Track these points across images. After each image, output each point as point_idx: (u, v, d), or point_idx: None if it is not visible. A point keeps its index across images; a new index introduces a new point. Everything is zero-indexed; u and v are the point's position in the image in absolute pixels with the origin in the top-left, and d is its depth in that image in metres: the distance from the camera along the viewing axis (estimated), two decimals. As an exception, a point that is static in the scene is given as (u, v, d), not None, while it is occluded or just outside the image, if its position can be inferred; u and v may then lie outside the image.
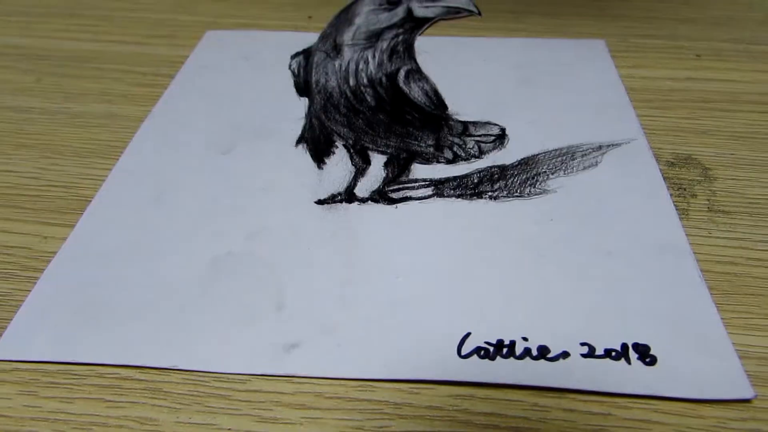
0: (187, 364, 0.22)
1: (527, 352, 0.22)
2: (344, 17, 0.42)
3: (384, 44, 0.39)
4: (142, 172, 0.31)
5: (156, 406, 0.21)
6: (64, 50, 0.42)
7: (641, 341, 0.22)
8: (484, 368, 0.22)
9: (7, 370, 0.22)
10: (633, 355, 0.22)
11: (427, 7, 0.41)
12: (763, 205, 0.29)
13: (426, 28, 0.43)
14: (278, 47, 0.41)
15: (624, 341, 0.22)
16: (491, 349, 0.22)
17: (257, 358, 0.22)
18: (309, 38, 0.38)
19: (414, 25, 0.41)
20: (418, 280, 0.25)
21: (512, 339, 0.23)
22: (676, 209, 0.28)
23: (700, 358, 0.22)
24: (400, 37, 0.40)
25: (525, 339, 0.23)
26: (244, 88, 0.38)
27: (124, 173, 0.31)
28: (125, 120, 0.35)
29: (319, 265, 0.26)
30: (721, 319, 0.23)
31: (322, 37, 0.41)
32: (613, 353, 0.22)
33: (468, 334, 0.23)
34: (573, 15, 0.45)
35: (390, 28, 0.40)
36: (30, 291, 0.25)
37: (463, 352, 0.22)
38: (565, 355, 0.22)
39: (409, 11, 0.41)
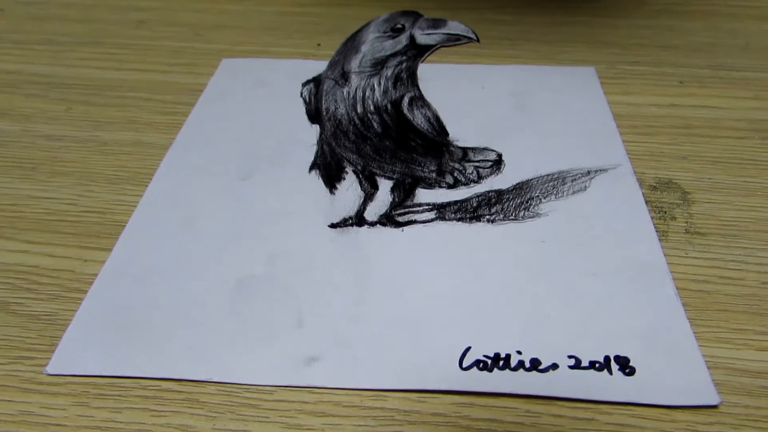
0: (220, 376, 0.25)
1: (521, 364, 0.25)
2: (351, 45, 0.45)
3: (389, 71, 0.42)
4: (169, 198, 0.34)
5: (194, 415, 0.24)
6: (91, 79, 0.45)
7: (622, 354, 0.25)
8: (483, 379, 0.25)
9: (61, 384, 0.25)
10: (614, 366, 0.25)
11: (428, 34, 0.44)
12: (735, 226, 0.32)
13: (428, 55, 0.46)
14: (290, 75, 0.44)
15: (606, 354, 0.25)
16: (489, 361, 0.25)
17: (282, 371, 0.25)
18: (319, 65, 0.40)
19: (417, 52, 0.44)
20: (423, 298, 0.28)
21: (508, 352, 0.26)
22: (657, 231, 0.31)
23: (673, 368, 0.25)
24: (404, 65, 0.43)
25: (519, 352, 0.26)
26: (259, 116, 0.41)
27: (153, 200, 0.34)
28: (151, 147, 0.38)
29: (334, 285, 0.29)
30: (694, 333, 0.26)
31: (331, 65, 0.44)
32: (597, 365, 0.25)
33: (468, 348, 0.26)
34: (565, 42, 0.48)
35: (394, 55, 0.43)
36: (76, 310, 0.28)
37: (464, 364, 0.25)
38: (554, 366, 0.25)
39: (412, 39, 0.44)
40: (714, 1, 0.53)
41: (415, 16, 0.46)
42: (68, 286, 0.30)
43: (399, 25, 0.45)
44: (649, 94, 0.42)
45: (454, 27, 0.45)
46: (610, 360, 0.25)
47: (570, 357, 0.25)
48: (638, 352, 0.25)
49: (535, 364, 0.25)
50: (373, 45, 0.44)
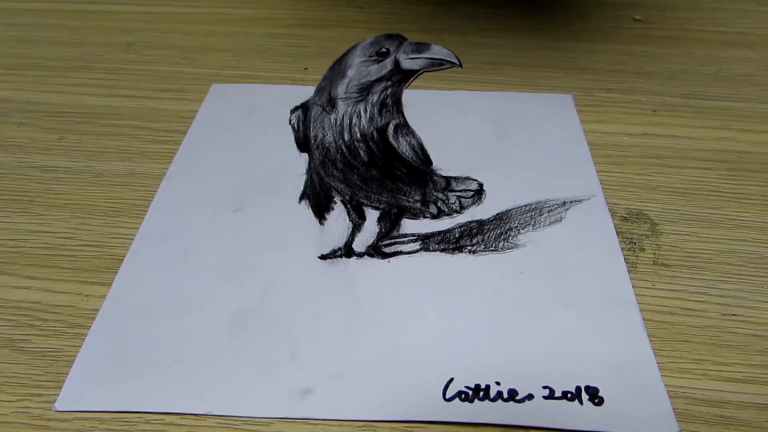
0: (220, 409, 0.27)
1: (500, 395, 0.27)
2: (337, 69, 0.46)
3: (374, 97, 0.44)
4: (165, 232, 0.35)
5: (196, 448, 0.26)
6: (82, 106, 0.46)
7: (592, 384, 0.27)
8: (464, 410, 0.27)
9: (68, 420, 0.27)
10: (585, 396, 0.27)
11: (413, 59, 0.46)
12: (699, 258, 0.34)
13: (412, 81, 0.48)
14: (278, 101, 0.46)
15: (578, 384, 0.27)
16: (470, 392, 0.27)
17: (278, 404, 0.27)
18: (307, 91, 0.42)
19: (401, 77, 0.45)
20: (409, 330, 0.30)
21: (487, 383, 0.28)
22: (626, 263, 0.33)
23: (637, 398, 0.27)
24: (389, 90, 0.44)
25: (498, 383, 0.28)
26: (249, 145, 0.42)
27: (149, 233, 0.35)
28: (145, 178, 0.39)
29: (324, 317, 0.31)
30: (657, 363, 0.28)
31: (318, 90, 0.46)
32: (569, 395, 0.27)
33: (451, 380, 0.28)
34: (545, 67, 0.50)
35: (379, 80, 0.44)
36: (80, 346, 0.30)
37: (447, 395, 0.27)
38: (530, 397, 0.27)
39: (397, 63, 0.45)
40: (687, 26, 0.56)
41: (399, 39, 0.47)
42: (71, 322, 0.31)
43: (384, 49, 0.47)
44: (623, 123, 0.44)
45: (438, 51, 0.47)
46: (581, 390, 0.27)
47: (545, 387, 0.27)
48: (606, 383, 0.28)
49: (512, 394, 0.27)
50: (358, 70, 0.45)
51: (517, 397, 0.27)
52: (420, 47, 0.47)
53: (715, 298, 0.32)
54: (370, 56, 0.47)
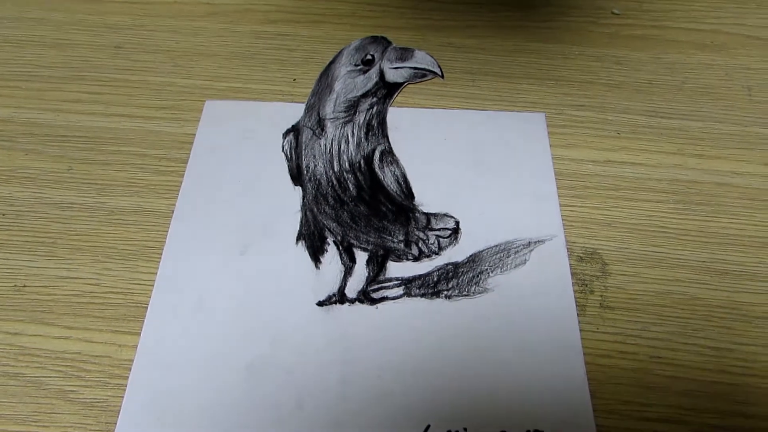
0: (244, 455, 0.34)
1: (466, 440, 0.34)
2: (325, 82, 0.49)
3: (361, 118, 0.47)
4: (179, 279, 0.40)
5: (229, 488, 0.33)
6: (83, 129, 0.48)
7: (539, 428, 0.35)
8: (438, 453, 0.34)
9: (124, 466, 0.34)
10: (533, 439, 0.34)
11: (396, 68, 0.49)
12: (638, 300, 0.40)
13: (396, 96, 0.51)
14: (271, 123, 0.49)
15: (528, 428, 0.35)
16: (443, 438, 0.34)
17: (290, 448, 0.34)
18: (297, 108, 0.46)
19: (386, 92, 0.49)
20: (394, 377, 0.37)
21: (457, 429, 0.35)
22: (577, 306, 0.40)
23: (573, 440, 0.34)
24: (374, 109, 0.48)
25: (465, 429, 0.35)
26: (247, 178, 0.46)
27: (166, 281, 0.40)
28: (153, 216, 0.43)
29: (325, 364, 0.37)
30: (592, 405, 0.36)
31: (308, 109, 0.49)
32: (520, 438, 0.34)
33: (428, 427, 0.35)
34: (521, 77, 0.52)
35: (365, 96, 0.48)
36: (122, 396, 0.36)
37: (426, 442, 0.34)
38: (490, 441, 0.34)
39: (382, 74, 0.49)
40: (662, 21, 0.57)
41: (384, 44, 0.50)
42: (111, 372, 0.37)
43: (369, 56, 0.50)
44: (590, 148, 0.48)
45: (421, 58, 0.50)
46: (530, 434, 0.35)
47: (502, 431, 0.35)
48: (550, 426, 0.35)
49: (476, 440, 0.34)
50: (345, 82, 0.48)
51: (480, 442, 0.34)
52: (404, 54, 0.50)
53: (646, 340, 0.38)
54: (356, 65, 0.50)
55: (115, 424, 0.35)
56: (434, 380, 0.37)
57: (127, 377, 0.36)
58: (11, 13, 0.57)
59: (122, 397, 0.36)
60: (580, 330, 0.38)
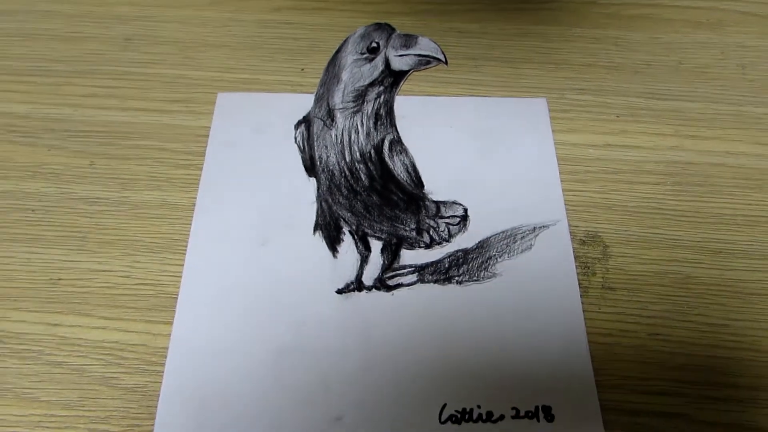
0: (276, 435, 0.37)
1: (480, 416, 0.37)
2: (332, 72, 0.51)
3: (369, 107, 0.49)
4: (206, 270, 0.43)
5: (264, 464, 0.36)
6: (101, 123, 0.50)
7: (546, 403, 0.38)
8: (455, 431, 0.37)
9: (167, 446, 0.37)
10: (541, 414, 0.37)
11: (401, 56, 0.50)
12: (638, 281, 0.43)
13: (402, 84, 0.53)
14: (283, 115, 0.50)
15: (536, 404, 0.38)
16: (459, 415, 0.37)
17: (314, 429, 0.37)
18: (307, 99, 0.47)
19: (393, 80, 0.50)
20: (412, 361, 0.39)
21: (471, 407, 0.38)
22: (580, 288, 0.42)
23: (577, 414, 0.38)
24: (382, 98, 0.49)
25: (479, 406, 0.38)
26: (265, 168, 0.47)
27: (193, 272, 0.43)
28: (176, 209, 0.45)
29: (347, 352, 0.40)
30: (595, 381, 0.39)
31: (317, 99, 0.51)
32: (530, 414, 0.37)
33: (445, 405, 0.38)
34: (524, 61, 0.54)
35: (372, 84, 0.49)
36: (161, 383, 0.39)
37: (442, 419, 0.37)
38: (501, 417, 0.37)
39: (387, 62, 0.50)
40: (658, 1, 0.58)
41: (388, 31, 0.52)
42: (148, 360, 0.40)
43: (374, 44, 0.51)
44: (590, 132, 0.50)
45: (425, 45, 0.51)
46: (539, 409, 0.38)
47: (513, 408, 0.38)
48: (557, 401, 0.38)
49: (488, 416, 0.37)
50: (352, 72, 0.50)
51: (493, 418, 0.37)
52: (408, 41, 0.52)
53: (645, 319, 0.41)
54: (361, 53, 0.51)
55: (156, 407, 0.38)
56: (448, 361, 0.39)
57: (164, 364, 0.39)
58: (20, 5, 0.57)
59: (160, 382, 0.39)
60: (584, 311, 0.41)
